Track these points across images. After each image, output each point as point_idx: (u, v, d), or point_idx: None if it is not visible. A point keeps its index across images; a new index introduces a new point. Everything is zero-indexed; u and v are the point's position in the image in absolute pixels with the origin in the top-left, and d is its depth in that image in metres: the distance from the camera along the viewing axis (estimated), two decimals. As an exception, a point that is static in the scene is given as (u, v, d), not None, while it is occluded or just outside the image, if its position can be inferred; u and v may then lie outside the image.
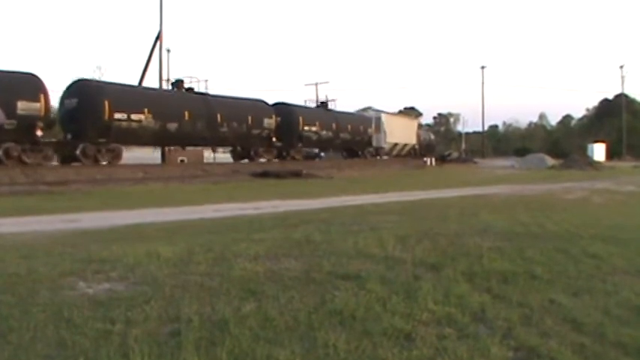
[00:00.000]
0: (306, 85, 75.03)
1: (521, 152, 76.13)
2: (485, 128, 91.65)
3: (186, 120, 33.63)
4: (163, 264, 7.06)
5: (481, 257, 7.85)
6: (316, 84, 64.74)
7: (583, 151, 68.28)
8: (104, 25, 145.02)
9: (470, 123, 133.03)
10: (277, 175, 31.79)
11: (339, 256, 7.77)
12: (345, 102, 74.88)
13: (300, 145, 43.74)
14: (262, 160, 39.56)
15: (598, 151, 70.12)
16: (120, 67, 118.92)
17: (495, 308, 5.60)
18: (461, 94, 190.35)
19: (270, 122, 39.66)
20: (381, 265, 7.28)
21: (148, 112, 31.17)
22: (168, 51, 49.36)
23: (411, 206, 16.07)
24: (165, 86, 39.82)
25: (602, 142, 74.05)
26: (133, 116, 30.38)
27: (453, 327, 5.03)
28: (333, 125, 47.45)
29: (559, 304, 5.84)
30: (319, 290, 6.07)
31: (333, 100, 52.31)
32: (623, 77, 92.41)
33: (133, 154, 38.48)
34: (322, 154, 54.30)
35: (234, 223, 12.22)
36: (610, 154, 72.65)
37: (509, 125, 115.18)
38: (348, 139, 49.69)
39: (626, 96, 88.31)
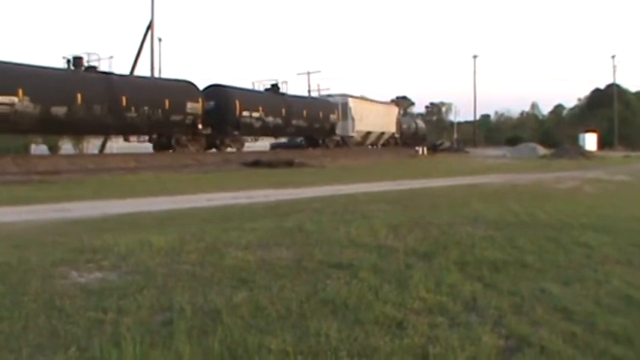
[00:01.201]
0: (298, 74, 73.85)
1: (512, 142, 76.14)
2: (477, 118, 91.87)
3: (79, 104, 28.06)
4: (155, 253, 7.05)
5: (473, 246, 7.89)
6: (308, 73, 64.70)
7: (574, 141, 68.40)
8: (95, 14, 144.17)
9: (462, 112, 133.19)
10: (269, 165, 31.73)
11: (331, 244, 7.78)
12: (337, 91, 73.05)
13: (236, 133, 38.43)
14: (191, 149, 34.88)
15: (589, 141, 70.27)
16: (111, 56, 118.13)
17: (486, 297, 5.63)
18: (453, 83, 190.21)
19: (195, 107, 34.39)
20: (373, 254, 7.30)
21: (24, 94, 25.73)
22: (160, 40, 49.23)
23: (402, 195, 16.08)
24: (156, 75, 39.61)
25: (594, 131, 74.18)
26: (1, 99, 25.13)
27: (444, 315, 5.06)
28: (283, 111, 41.87)
29: (550, 293, 5.88)
30: (311, 279, 6.08)
31: (328, 89, 51.66)
32: (614, 67, 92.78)
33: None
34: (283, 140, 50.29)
35: (225, 213, 12.20)
36: (601, 144, 72.80)
37: (501, 115, 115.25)
38: (303, 126, 44.27)
39: (617, 86, 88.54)
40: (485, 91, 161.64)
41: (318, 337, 4.42)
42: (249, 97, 39.88)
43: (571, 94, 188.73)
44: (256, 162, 32.38)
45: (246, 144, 41.19)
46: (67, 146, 41.56)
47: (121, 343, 4.17)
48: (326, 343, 4.33)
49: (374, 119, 55.45)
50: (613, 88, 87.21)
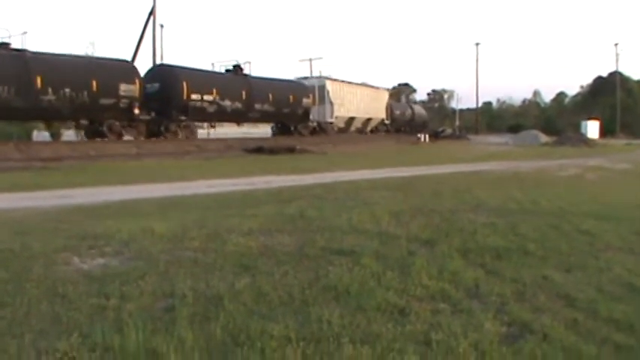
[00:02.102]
0: (300, 60, 73.26)
1: (514, 129, 75.97)
2: (479, 105, 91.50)
3: (-23, 85, 24.19)
4: (157, 240, 7.06)
5: (475, 233, 7.89)
6: (310, 60, 64.25)
7: (576, 129, 68.28)
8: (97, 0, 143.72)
9: (464, 100, 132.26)
10: (271, 151, 31.68)
11: (333, 231, 7.78)
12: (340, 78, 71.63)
13: (184, 118, 33.96)
14: (127, 137, 31.19)
15: (591, 129, 70.11)
16: (113, 43, 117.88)
17: (489, 284, 5.64)
18: (455, 70, 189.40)
19: (130, 89, 30.00)
20: (375, 241, 7.30)
21: None
22: (162, 26, 48.92)
23: (404, 182, 16.06)
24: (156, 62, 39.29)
25: (596, 119, 73.99)
26: None
27: (446, 302, 5.07)
28: (243, 94, 37.24)
29: (552, 280, 5.89)
30: (313, 266, 6.08)
31: (329, 76, 50.75)
32: (617, 55, 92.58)
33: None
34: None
35: (227, 199, 12.20)
36: (603, 132, 72.61)
37: (503, 102, 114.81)
38: (269, 111, 39.80)
39: (620, 74, 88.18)
40: (488, 78, 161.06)
41: (320, 324, 4.43)
42: (200, 78, 35.65)
43: (573, 81, 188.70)
44: (258, 149, 32.33)
45: (222, 130, 39.52)
46: (69, 132, 41.45)
47: (123, 329, 4.18)
48: (328, 329, 4.34)
49: (358, 104, 52.32)
50: (616, 75, 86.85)
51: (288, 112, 41.78)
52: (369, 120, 55.47)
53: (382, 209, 9.68)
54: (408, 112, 67.92)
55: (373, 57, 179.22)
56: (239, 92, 37.19)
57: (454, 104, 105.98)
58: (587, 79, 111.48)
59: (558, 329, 4.54)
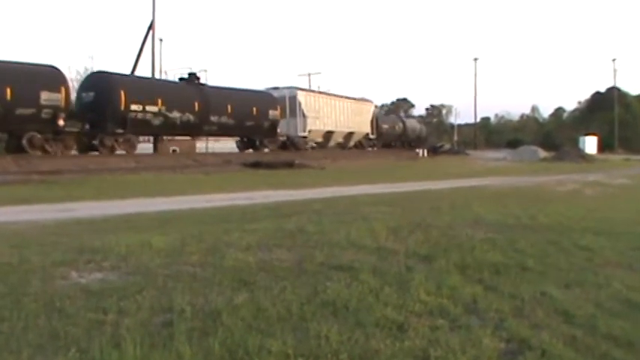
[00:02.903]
0: (299, 75, 73.42)
1: (513, 144, 76.12)
2: (478, 120, 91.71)
3: None
4: (156, 254, 7.04)
5: (473, 249, 7.88)
6: (309, 74, 64.44)
7: (575, 144, 68.48)
8: (96, 14, 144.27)
9: (462, 115, 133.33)
10: (269, 166, 31.70)
11: (332, 246, 7.77)
12: (338, 93, 70.66)
13: (121, 131, 30.02)
14: (50, 151, 27.22)
15: (590, 144, 70.30)
16: (112, 56, 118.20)
17: (487, 300, 5.63)
18: (453, 86, 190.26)
19: (54, 97, 26.59)
20: (373, 256, 7.30)
21: None
22: (161, 40, 49.18)
23: (403, 197, 16.08)
24: (160, 77, 39.29)
25: (594, 134, 74.23)
26: None
27: (445, 318, 5.06)
28: (196, 105, 33.63)
29: (550, 296, 5.88)
30: (312, 281, 6.07)
31: (328, 91, 49.93)
32: (615, 70, 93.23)
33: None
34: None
35: (226, 214, 12.20)
36: (602, 147, 72.80)
37: (502, 117, 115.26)
38: (228, 124, 35.77)
39: (618, 89, 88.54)
40: (486, 93, 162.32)
41: (318, 340, 4.42)
42: (141, 86, 32.61)
43: (571, 97, 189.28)
44: (256, 163, 32.35)
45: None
46: (230, 145, 41.88)
47: (121, 345, 4.17)
48: (326, 345, 4.32)
49: (337, 117, 48.56)
50: (613, 91, 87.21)
51: (251, 125, 37.80)
52: (350, 134, 51.72)
53: (381, 224, 9.67)
54: (399, 125, 64.30)
55: (372, 72, 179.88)
56: (191, 103, 33.54)
57: (452, 119, 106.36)
58: (585, 95, 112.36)
59: (557, 345, 4.53)
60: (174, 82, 35.57)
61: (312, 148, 45.55)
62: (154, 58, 45.48)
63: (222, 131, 37.12)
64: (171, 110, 32.14)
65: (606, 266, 7.33)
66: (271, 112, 39.20)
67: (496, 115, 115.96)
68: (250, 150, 39.20)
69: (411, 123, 70.57)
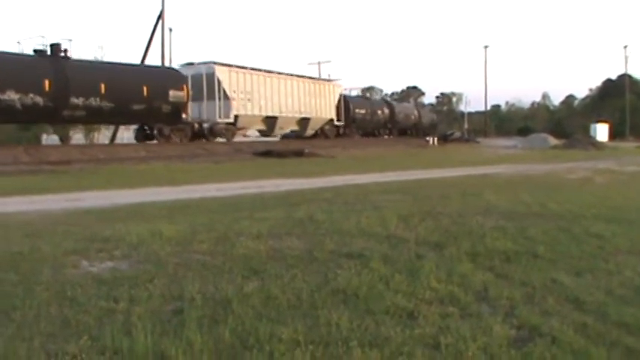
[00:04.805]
0: (308, 64, 72.34)
1: (523, 132, 75.67)
2: (488, 108, 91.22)
3: None
4: (166, 243, 7.07)
5: (484, 236, 7.87)
6: (319, 63, 64.07)
7: (586, 131, 68.01)
8: (106, 4, 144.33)
9: (473, 103, 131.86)
10: (279, 155, 31.70)
11: (342, 234, 7.78)
12: (348, 82, 68.81)
13: None
14: None
15: (601, 132, 69.81)
16: (122, 46, 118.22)
17: (498, 287, 5.62)
18: (464, 73, 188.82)
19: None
20: (383, 244, 7.30)
21: None
22: (171, 30, 48.90)
23: (413, 185, 16.05)
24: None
25: (605, 122, 73.69)
26: None
27: (455, 306, 5.06)
28: (46, 84, 25.85)
29: (561, 284, 5.87)
30: (322, 269, 6.09)
31: (339, 79, 48.28)
32: (626, 57, 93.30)
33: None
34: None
35: (236, 202, 12.21)
36: (613, 135, 72.29)
37: (512, 105, 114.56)
38: (104, 108, 27.82)
39: (629, 76, 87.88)
40: (497, 81, 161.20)
41: (328, 327, 4.43)
42: None
43: (582, 84, 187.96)
44: (267, 152, 32.34)
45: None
46: (78, 136, 41.25)
47: (132, 332, 4.19)
48: (337, 332, 4.33)
49: (283, 100, 40.39)
50: (625, 78, 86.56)
51: (141, 109, 29.74)
52: (305, 120, 43.51)
53: (391, 212, 9.66)
54: (385, 110, 54.85)
55: (382, 60, 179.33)
56: (38, 81, 25.79)
57: (463, 107, 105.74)
58: (597, 82, 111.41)
59: (567, 333, 4.52)
60: (13, 55, 26.85)
61: (245, 136, 39.76)
62: (164, 47, 45.23)
63: (95, 118, 29.77)
64: (4, 91, 24.57)
65: (617, 254, 7.30)
66: (173, 93, 31.01)
67: (507, 103, 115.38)
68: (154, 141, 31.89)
69: (403, 107, 63.12)
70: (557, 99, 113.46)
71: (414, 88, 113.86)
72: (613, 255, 7.21)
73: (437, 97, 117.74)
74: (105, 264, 6.20)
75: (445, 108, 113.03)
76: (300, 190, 14.87)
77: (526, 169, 24.63)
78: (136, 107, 29.46)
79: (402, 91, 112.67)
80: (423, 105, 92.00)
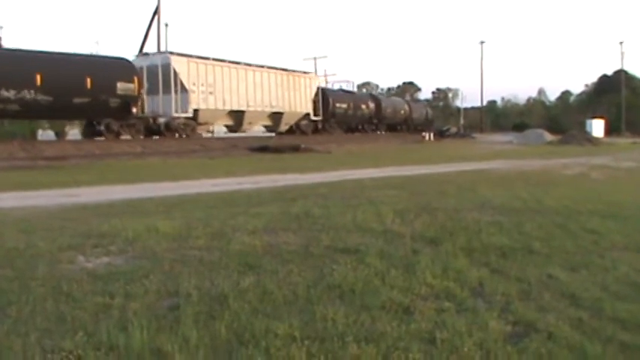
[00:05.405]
0: (304, 59, 71.98)
1: (519, 128, 75.73)
2: (484, 103, 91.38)
3: None
4: (162, 238, 7.07)
5: (479, 232, 7.88)
6: (314, 58, 64.12)
7: (581, 127, 67.99)
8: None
9: (468, 98, 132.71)
10: (276, 150, 31.68)
11: (338, 230, 7.77)
12: (344, 77, 69.01)
13: None
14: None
15: (597, 127, 69.84)
16: (117, 41, 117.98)
17: (494, 283, 5.63)
18: (460, 69, 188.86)
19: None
20: (379, 240, 7.30)
21: None
22: (166, 25, 48.84)
23: (409, 181, 16.05)
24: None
25: (601, 118, 73.73)
26: None
27: (451, 301, 5.07)
28: None
29: (557, 279, 5.88)
30: (318, 264, 6.09)
31: (334, 75, 47.61)
32: (622, 53, 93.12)
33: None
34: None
35: (232, 198, 12.20)
36: (609, 131, 72.34)
37: (508, 101, 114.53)
38: (40, 102, 25.35)
39: (625, 72, 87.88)
40: (492, 76, 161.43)
41: (324, 322, 4.43)
42: None
43: (578, 80, 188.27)
44: (263, 147, 32.31)
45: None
46: (73, 132, 40.96)
47: (128, 328, 4.19)
48: (333, 328, 4.34)
49: (251, 93, 37.55)
50: (621, 74, 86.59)
51: (84, 103, 26.96)
52: (278, 115, 40.72)
53: (387, 208, 9.67)
54: (370, 105, 52.78)
55: (378, 56, 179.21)
56: None
57: (459, 103, 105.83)
58: (592, 78, 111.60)
59: (563, 328, 4.53)
60: None
61: (210, 133, 37.25)
62: (160, 43, 45.21)
63: (31, 112, 26.78)
64: None
65: (613, 249, 7.32)
66: (121, 85, 28.37)
67: (502, 99, 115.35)
68: (101, 138, 29.25)
69: (390, 102, 61.10)
70: (553, 95, 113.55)
71: (410, 83, 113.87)
72: (609, 251, 7.22)
73: (433, 93, 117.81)
74: (101, 259, 6.19)
75: (441, 103, 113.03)
76: (296, 186, 14.86)
77: (522, 165, 24.63)
78: (78, 101, 26.82)
79: (398, 86, 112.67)
80: (417, 100, 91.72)
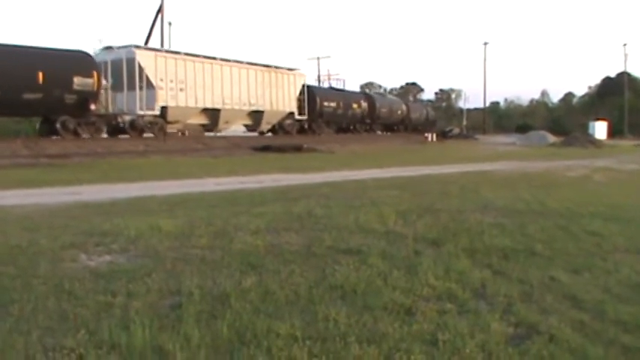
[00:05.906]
0: (308, 59, 71.91)
1: (522, 129, 75.77)
2: (487, 104, 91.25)
3: None
4: (165, 237, 7.07)
5: (482, 233, 7.87)
6: (318, 58, 64.13)
7: (584, 129, 68.05)
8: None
9: (471, 99, 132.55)
10: (279, 149, 31.67)
11: (340, 230, 7.77)
12: (348, 78, 68.60)
13: None
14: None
15: (599, 129, 69.86)
16: (121, 40, 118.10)
17: (496, 284, 5.62)
18: (463, 70, 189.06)
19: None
20: (382, 240, 7.30)
21: None
22: (170, 24, 48.81)
23: (412, 181, 16.05)
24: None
25: (604, 120, 73.75)
26: None
27: (453, 302, 5.06)
28: None
29: (559, 281, 5.87)
30: (320, 264, 6.08)
31: (337, 74, 47.64)
32: (626, 55, 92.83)
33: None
34: None
35: (234, 197, 12.20)
36: (611, 133, 72.34)
37: (511, 102, 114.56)
38: None
39: (628, 74, 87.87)
40: (496, 78, 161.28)
41: (326, 323, 4.43)
42: None
43: (581, 82, 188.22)
44: (266, 147, 32.31)
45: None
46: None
47: (130, 327, 4.19)
48: (334, 328, 4.33)
49: (227, 90, 34.92)
50: (624, 76, 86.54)
51: (35, 99, 24.78)
52: (258, 114, 38.08)
53: (389, 208, 9.66)
54: (362, 104, 50.28)
55: (381, 56, 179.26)
56: None
57: (462, 104, 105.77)
58: (595, 80, 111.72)
59: (565, 330, 4.52)
60: None
61: (182, 134, 34.27)
62: (163, 41, 45.18)
63: None
64: None
65: (615, 252, 7.30)
66: (78, 80, 26.15)
67: (505, 100, 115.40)
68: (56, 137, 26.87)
69: (384, 101, 58.68)
70: (556, 96, 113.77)
71: (414, 84, 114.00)
72: (611, 253, 7.21)
73: (436, 94, 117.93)
74: (103, 258, 6.20)
75: (444, 104, 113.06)
76: (298, 185, 14.87)
77: (525, 167, 24.62)
78: (29, 96, 24.49)
79: (402, 87, 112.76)
80: (418, 100, 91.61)
